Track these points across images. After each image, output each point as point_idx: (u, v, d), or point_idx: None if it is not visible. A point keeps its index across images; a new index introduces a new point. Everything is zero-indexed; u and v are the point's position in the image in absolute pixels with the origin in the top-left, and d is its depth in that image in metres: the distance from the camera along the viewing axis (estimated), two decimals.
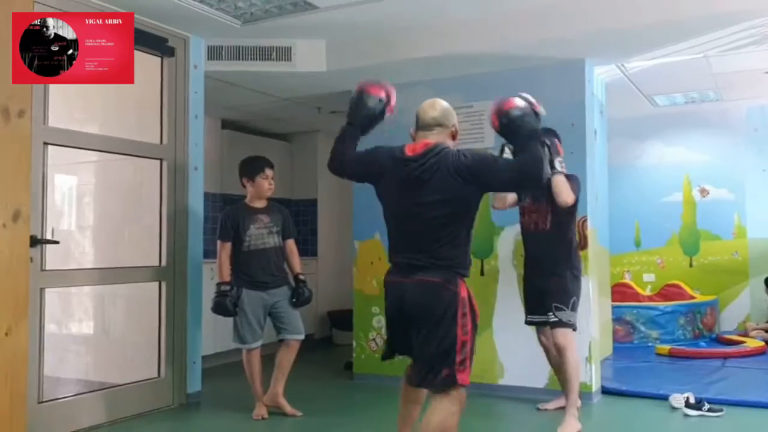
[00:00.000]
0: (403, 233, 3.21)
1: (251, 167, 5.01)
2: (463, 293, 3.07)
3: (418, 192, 3.10)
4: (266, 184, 4.97)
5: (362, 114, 3.35)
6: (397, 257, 3.22)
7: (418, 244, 3.11)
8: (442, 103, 3.30)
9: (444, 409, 3.01)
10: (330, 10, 5.01)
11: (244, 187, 5.04)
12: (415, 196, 3.11)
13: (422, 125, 3.28)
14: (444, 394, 3.03)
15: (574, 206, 4.56)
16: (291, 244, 5.08)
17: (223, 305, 4.77)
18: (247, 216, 4.92)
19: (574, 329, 4.58)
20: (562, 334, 4.51)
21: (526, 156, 3.02)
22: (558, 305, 4.49)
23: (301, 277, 5.06)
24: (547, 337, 4.79)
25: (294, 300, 4.96)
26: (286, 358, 5.00)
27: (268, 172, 4.98)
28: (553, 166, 4.39)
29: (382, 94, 3.34)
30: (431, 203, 3.08)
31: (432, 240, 3.09)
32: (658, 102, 7.94)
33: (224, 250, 4.90)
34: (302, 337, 5.03)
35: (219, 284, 4.83)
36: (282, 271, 5.02)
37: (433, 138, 3.21)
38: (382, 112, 3.35)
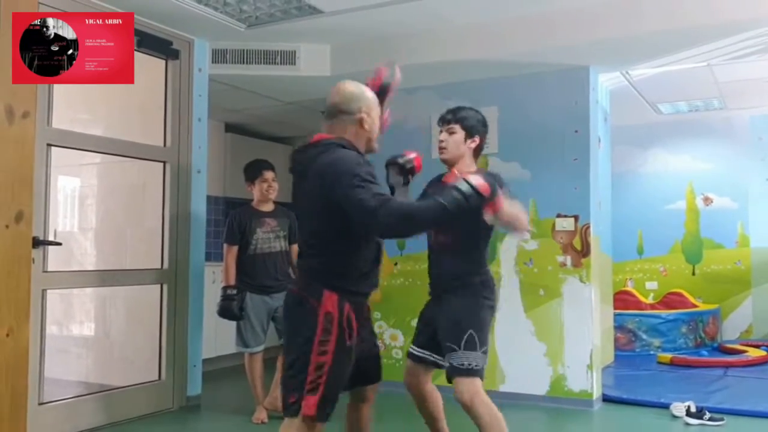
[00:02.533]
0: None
1: (250, 171, 5.03)
2: (329, 308, 2.61)
3: (295, 187, 2.83)
4: (265, 187, 4.97)
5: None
6: None
7: (300, 246, 2.85)
8: (348, 86, 2.81)
9: None
10: (335, 14, 5.01)
11: (250, 191, 5.06)
12: (299, 193, 2.80)
13: (325, 114, 2.82)
14: (290, 421, 2.65)
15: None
16: (297, 248, 5.07)
17: (230, 309, 4.76)
18: (254, 219, 4.92)
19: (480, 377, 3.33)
20: (465, 385, 3.27)
21: (400, 209, 2.49)
22: (449, 344, 3.34)
23: None
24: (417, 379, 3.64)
25: None
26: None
27: (267, 174, 4.98)
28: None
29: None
30: (301, 200, 2.78)
31: (304, 242, 2.80)
32: (662, 110, 7.93)
33: (230, 253, 4.89)
34: None
35: (225, 288, 4.83)
36: (287, 276, 5.00)
37: (332, 128, 2.78)
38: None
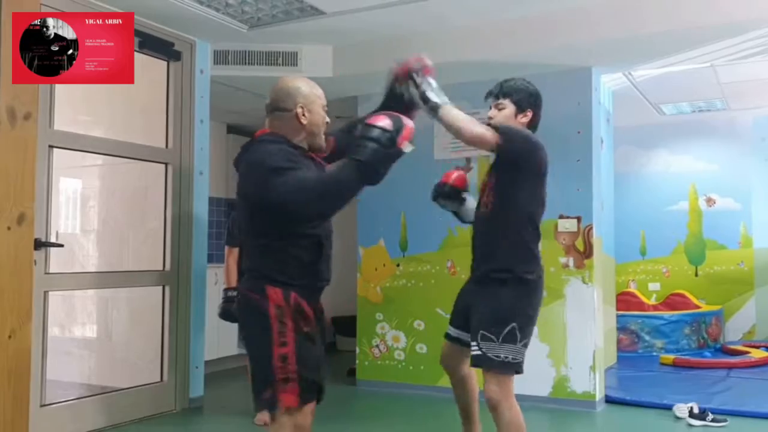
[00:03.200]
0: None
1: None
2: (276, 300, 2.58)
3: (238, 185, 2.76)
4: None
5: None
6: None
7: (242, 246, 2.84)
8: (283, 83, 2.76)
9: None
10: (337, 15, 5.01)
11: None
12: (237, 190, 2.77)
13: (266, 110, 2.79)
14: (271, 418, 2.63)
15: (534, 174, 3.20)
16: None
17: (230, 312, 4.75)
18: None
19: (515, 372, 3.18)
20: (496, 383, 3.11)
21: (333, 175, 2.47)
22: (485, 333, 3.10)
23: None
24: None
25: None
26: None
27: None
28: (427, 100, 3.09)
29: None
30: (240, 199, 2.73)
31: (246, 244, 2.79)
32: (664, 110, 7.92)
33: (231, 255, 4.89)
34: None
35: (226, 290, 4.83)
36: None
37: (273, 125, 2.75)
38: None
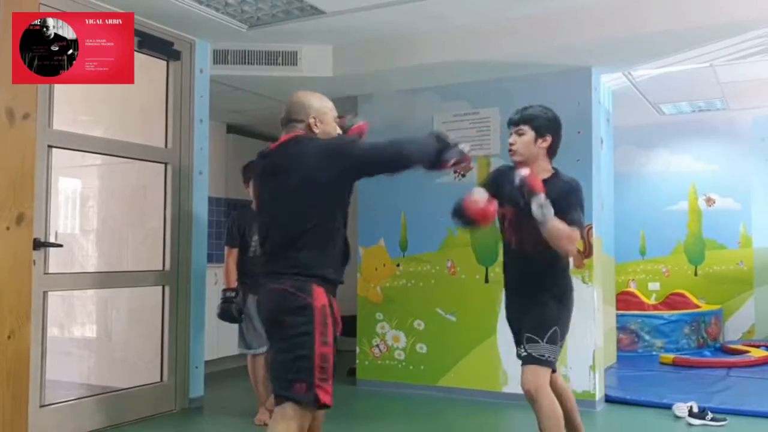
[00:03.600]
0: (267, 234, 2.99)
1: (246, 171, 4.97)
2: (320, 302, 2.79)
3: (274, 183, 2.93)
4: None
5: None
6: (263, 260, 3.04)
7: (273, 244, 2.92)
8: (299, 96, 3.08)
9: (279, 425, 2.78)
10: (337, 15, 5.00)
11: (247, 191, 5.03)
12: (270, 188, 2.95)
13: (281, 123, 3.10)
14: (288, 409, 2.77)
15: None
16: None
17: (229, 312, 4.76)
18: (253, 222, 4.89)
19: (551, 368, 3.45)
20: (533, 373, 3.37)
21: (397, 143, 2.90)
22: (530, 336, 3.40)
23: None
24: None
25: None
26: None
27: None
28: (530, 213, 3.22)
29: None
30: (277, 198, 2.89)
31: (284, 240, 2.87)
32: (664, 110, 7.92)
33: (231, 256, 4.89)
34: None
35: (225, 290, 4.82)
36: None
37: (291, 131, 3.02)
38: None
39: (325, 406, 2.78)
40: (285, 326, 2.80)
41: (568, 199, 3.32)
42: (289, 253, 2.84)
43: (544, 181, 3.32)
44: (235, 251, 4.88)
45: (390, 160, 2.88)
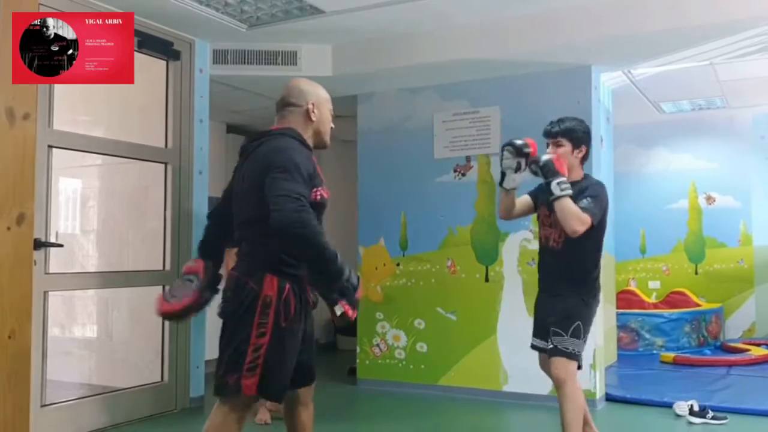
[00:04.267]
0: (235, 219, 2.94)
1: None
2: (269, 291, 2.68)
3: (236, 172, 2.92)
4: None
5: None
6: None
7: (238, 230, 2.90)
8: (298, 81, 3.00)
9: (216, 418, 2.74)
10: (336, 14, 5.00)
11: None
12: (238, 177, 2.89)
13: (276, 107, 2.99)
14: (224, 400, 2.74)
15: (598, 226, 3.67)
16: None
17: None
18: None
19: (578, 362, 3.68)
20: (563, 366, 3.63)
21: (314, 228, 2.56)
22: (555, 329, 3.67)
23: None
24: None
25: None
26: None
27: None
28: (550, 192, 3.51)
29: None
30: (239, 185, 2.85)
31: (242, 227, 2.86)
32: (664, 109, 7.92)
33: (230, 255, 4.86)
34: None
35: (225, 290, 4.80)
36: None
37: (281, 121, 2.92)
38: None
39: (248, 398, 2.72)
40: (229, 313, 2.80)
41: (588, 190, 3.60)
42: (247, 240, 2.86)
43: (576, 182, 3.62)
44: (234, 251, 4.87)
45: (282, 216, 2.55)
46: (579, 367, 3.68)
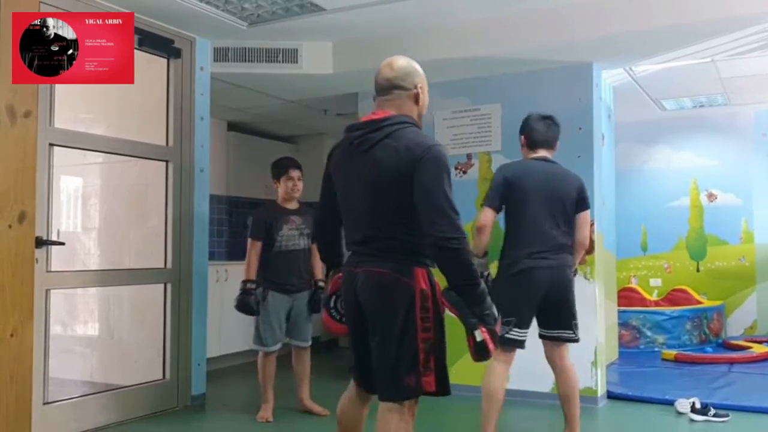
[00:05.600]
0: (350, 214, 2.78)
1: (276, 169, 5.04)
2: (423, 285, 2.60)
3: (362, 164, 2.66)
4: (290, 185, 4.98)
5: None
6: (349, 244, 2.81)
7: (364, 227, 2.70)
8: (401, 61, 2.81)
9: (394, 425, 2.67)
10: (337, 12, 5.00)
11: (276, 188, 5.08)
12: (359, 169, 2.68)
13: (378, 89, 2.79)
14: (399, 405, 2.65)
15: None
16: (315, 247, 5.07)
17: (247, 303, 4.76)
18: (280, 216, 4.93)
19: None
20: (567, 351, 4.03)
21: (465, 240, 2.56)
22: (576, 322, 4.01)
23: (321, 283, 5.00)
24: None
25: (312, 305, 4.95)
26: (299, 364, 5.07)
27: (293, 173, 4.99)
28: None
29: None
30: (382, 178, 2.62)
31: (377, 223, 2.66)
32: (666, 106, 7.92)
33: (254, 248, 4.88)
34: (307, 344, 5.05)
35: (245, 282, 4.82)
36: (307, 275, 5.01)
37: (392, 105, 2.74)
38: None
39: (419, 395, 2.69)
40: (384, 312, 2.63)
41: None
42: (385, 234, 2.65)
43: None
44: (258, 244, 4.88)
45: (439, 212, 2.54)
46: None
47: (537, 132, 4.03)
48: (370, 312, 2.67)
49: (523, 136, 4.09)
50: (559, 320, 3.92)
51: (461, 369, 5.76)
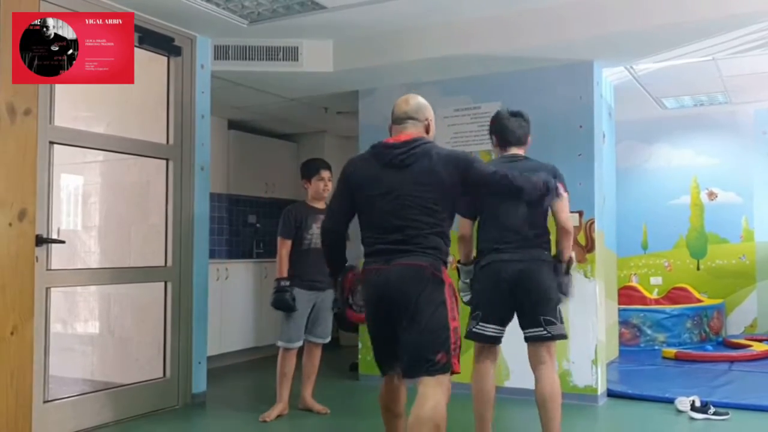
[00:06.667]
0: (384, 217, 3.16)
1: (308, 169, 5.10)
2: (448, 279, 3.10)
3: (403, 176, 3.13)
4: (321, 185, 5.03)
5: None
6: (377, 245, 3.18)
7: (402, 228, 3.11)
8: (417, 98, 3.34)
9: (435, 398, 2.97)
10: (337, 10, 5.00)
11: (305, 188, 5.11)
12: (400, 180, 3.13)
13: (395, 119, 3.32)
14: (436, 382, 3.00)
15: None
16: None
17: (284, 300, 4.81)
18: (310, 215, 4.96)
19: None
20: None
21: (518, 176, 3.30)
22: (548, 318, 3.88)
23: None
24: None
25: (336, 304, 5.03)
26: (310, 361, 5.11)
27: (324, 173, 5.05)
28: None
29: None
30: (417, 187, 3.11)
31: (416, 224, 3.10)
32: (666, 104, 7.91)
33: (285, 246, 4.94)
34: (325, 341, 5.13)
35: (279, 280, 4.87)
36: None
37: (409, 131, 3.25)
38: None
39: (454, 374, 3.09)
40: (424, 300, 3.03)
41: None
42: (423, 235, 3.10)
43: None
44: (289, 242, 4.93)
45: (499, 183, 3.20)
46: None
47: (509, 131, 4.01)
48: (405, 300, 3.04)
49: (494, 137, 4.08)
50: (528, 318, 3.78)
51: (461, 367, 5.76)
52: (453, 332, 3.03)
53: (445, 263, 3.14)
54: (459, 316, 3.11)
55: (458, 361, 3.07)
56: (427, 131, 3.30)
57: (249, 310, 7.11)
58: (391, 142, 3.21)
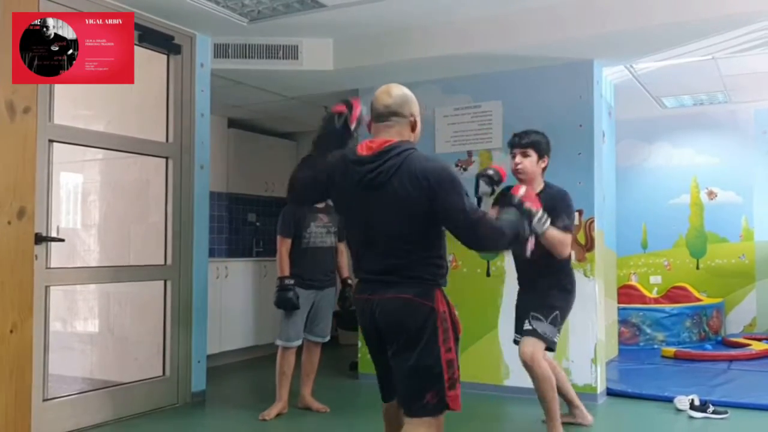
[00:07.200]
0: (365, 245, 2.79)
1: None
2: (442, 307, 2.71)
3: (376, 197, 2.68)
4: None
5: (320, 134, 2.94)
6: (362, 273, 2.84)
7: (383, 257, 2.73)
8: (399, 89, 2.83)
9: None
10: (337, 8, 4.99)
11: None
12: (373, 203, 2.70)
13: (376, 115, 2.81)
14: (421, 423, 2.67)
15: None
16: (343, 246, 5.11)
17: (288, 299, 4.81)
18: (309, 214, 4.96)
19: (550, 349, 4.10)
20: (531, 344, 4.01)
21: (495, 226, 2.72)
22: (535, 314, 4.04)
23: (349, 281, 5.13)
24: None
25: (340, 303, 5.13)
26: (309, 359, 5.11)
27: None
28: (532, 229, 3.27)
29: (342, 109, 2.89)
30: (390, 217, 2.68)
31: (398, 252, 2.70)
32: (666, 104, 7.91)
33: (284, 245, 4.94)
34: (324, 339, 5.13)
35: (281, 278, 4.87)
36: (333, 273, 5.11)
37: (390, 131, 2.76)
38: (345, 126, 2.89)
39: (449, 411, 2.73)
40: (408, 333, 2.69)
41: (558, 207, 3.85)
42: (407, 263, 2.71)
43: (539, 193, 3.86)
44: (288, 241, 4.93)
45: (466, 229, 2.66)
46: (551, 350, 4.13)
47: None
48: (393, 335, 2.74)
49: (548, 159, 4.15)
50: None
51: (461, 366, 5.76)
52: (446, 367, 2.67)
53: (439, 285, 2.74)
54: (455, 344, 2.73)
55: (458, 395, 2.71)
56: (413, 129, 2.82)
57: (248, 308, 7.11)
58: (362, 155, 2.71)
